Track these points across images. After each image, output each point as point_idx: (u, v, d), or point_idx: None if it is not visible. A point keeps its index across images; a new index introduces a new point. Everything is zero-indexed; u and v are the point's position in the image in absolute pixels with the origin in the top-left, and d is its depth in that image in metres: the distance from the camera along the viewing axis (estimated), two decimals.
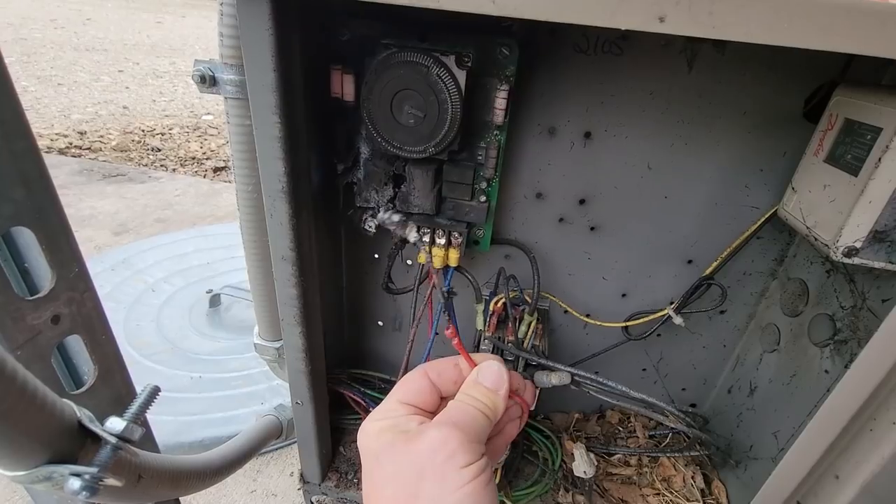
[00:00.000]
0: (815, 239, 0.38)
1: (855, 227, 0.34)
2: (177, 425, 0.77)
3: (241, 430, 0.55)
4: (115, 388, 0.34)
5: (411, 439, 0.29)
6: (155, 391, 0.23)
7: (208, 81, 0.41)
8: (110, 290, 1.10)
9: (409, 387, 0.34)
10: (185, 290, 1.12)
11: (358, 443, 0.32)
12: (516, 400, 0.37)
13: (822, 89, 0.43)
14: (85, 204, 1.75)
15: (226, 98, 0.41)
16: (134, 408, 0.23)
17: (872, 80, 0.42)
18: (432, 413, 0.33)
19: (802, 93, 0.44)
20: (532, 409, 0.58)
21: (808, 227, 0.39)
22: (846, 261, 0.35)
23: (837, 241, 0.35)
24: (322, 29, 0.41)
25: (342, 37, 0.42)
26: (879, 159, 0.32)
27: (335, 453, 0.63)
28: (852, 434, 0.42)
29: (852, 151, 0.35)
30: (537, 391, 0.54)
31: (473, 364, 0.35)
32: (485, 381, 0.34)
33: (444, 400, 0.35)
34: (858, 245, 0.35)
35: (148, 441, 0.38)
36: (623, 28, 0.27)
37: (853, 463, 0.42)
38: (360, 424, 0.32)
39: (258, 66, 0.33)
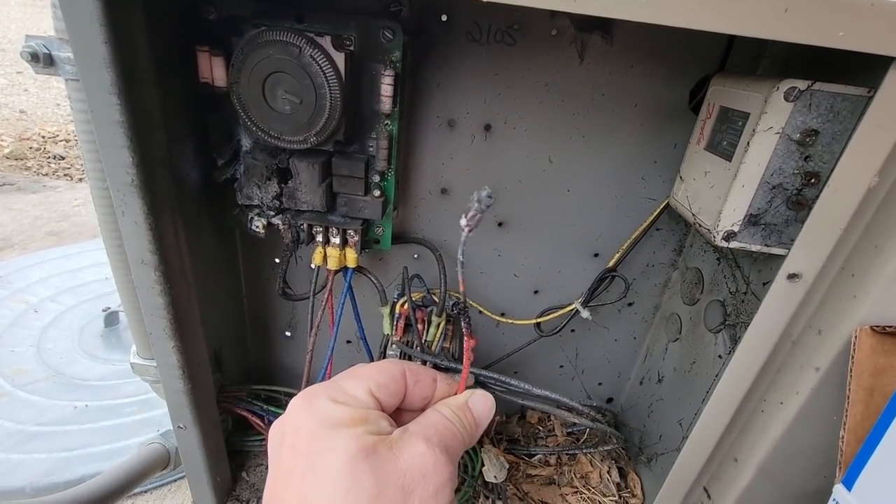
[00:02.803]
0: (700, 225, 0.39)
1: (732, 211, 0.35)
2: (51, 463, 0.66)
3: None
4: None
5: (398, 450, 0.24)
6: None
7: (42, 60, 0.35)
8: None
9: (387, 382, 0.28)
10: (77, 309, 0.99)
11: (296, 418, 0.25)
12: None
13: (704, 83, 0.44)
14: None
15: (66, 80, 0.36)
16: None
17: (747, 72, 0.44)
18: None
19: (687, 85, 0.45)
20: None
21: (693, 215, 0.40)
22: (725, 245, 0.36)
23: (717, 226, 0.36)
24: (186, 5, 0.37)
25: (208, 15, 0.37)
26: (748, 143, 0.33)
27: (236, 479, 0.58)
28: (746, 417, 0.43)
29: (727, 138, 0.36)
30: None
31: (463, 390, 0.32)
32: (475, 409, 0.30)
33: (399, 410, 0.30)
34: (736, 229, 0.35)
35: None
36: None
37: (749, 445, 0.43)
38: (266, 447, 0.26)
39: (85, 37, 0.29)
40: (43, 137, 2.51)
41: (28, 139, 2.46)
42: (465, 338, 0.31)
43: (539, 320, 0.55)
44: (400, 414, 0.30)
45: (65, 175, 2.18)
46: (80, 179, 2.14)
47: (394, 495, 0.23)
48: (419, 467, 0.24)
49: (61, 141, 2.53)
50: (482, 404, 0.31)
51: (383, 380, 0.28)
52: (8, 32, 5.10)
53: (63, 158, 2.35)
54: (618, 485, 0.57)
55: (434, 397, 0.31)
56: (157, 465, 0.51)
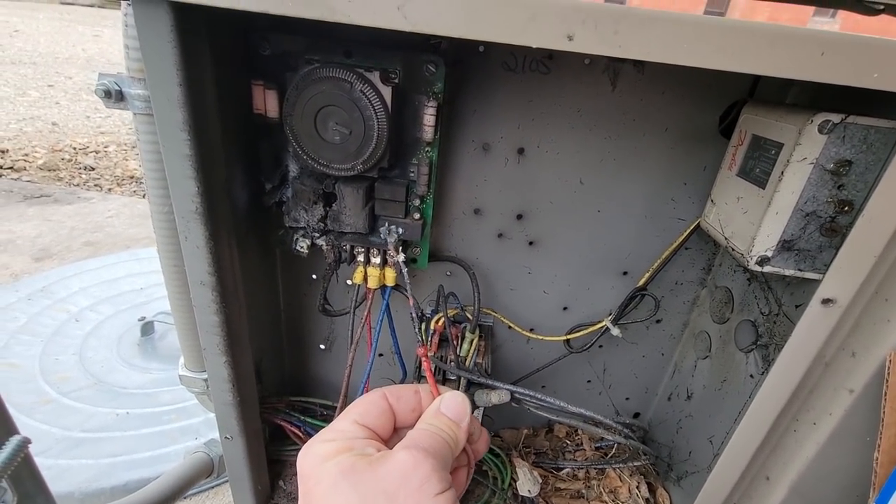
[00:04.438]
0: (733, 249, 0.40)
1: (765, 236, 0.36)
2: (97, 469, 0.69)
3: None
4: None
5: (376, 463, 0.27)
6: (22, 444, 0.20)
7: (114, 96, 0.38)
8: (26, 322, 1.00)
9: (368, 408, 0.31)
10: (114, 319, 1.03)
11: (300, 467, 0.29)
12: (467, 448, 0.35)
13: (734, 108, 0.46)
14: (2, 227, 1.59)
15: (135, 114, 0.39)
16: None
17: (777, 99, 0.45)
18: (386, 441, 0.31)
19: (717, 111, 0.47)
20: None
21: (725, 238, 0.41)
22: (759, 269, 0.37)
23: (751, 251, 0.37)
24: (242, 43, 0.40)
25: (263, 51, 0.40)
26: (782, 173, 0.34)
27: (274, 488, 0.60)
28: (778, 436, 0.44)
29: (760, 165, 0.37)
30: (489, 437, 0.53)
31: (438, 393, 0.34)
32: (447, 412, 0.32)
33: (397, 430, 0.33)
34: (769, 254, 0.36)
35: (40, 493, 0.34)
36: (535, 45, 0.28)
37: (781, 464, 0.44)
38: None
39: (162, 80, 0.31)
40: (74, 149, 2.60)
41: (60, 150, 2.56)
42: (419, 346, 0.36)
43: (569, 337, 0.56)
44: (399, 434, 0.32)
45: (95, 185, 2.25)
46: (110, 190, 2.22)
47: (376, 500, 0.25)
48: (398, 470, 0.26)
49: (91, 152, 2.62)
50: (454, 404, 0.33)
51: (364, 407, 0.31)
52: (38, 46, 5.29)
53: (93, 169, 2.43)
54: (647, 500, 0.58)
55: (422, 406, 0.33)
56: (203, 473, 0.53)
